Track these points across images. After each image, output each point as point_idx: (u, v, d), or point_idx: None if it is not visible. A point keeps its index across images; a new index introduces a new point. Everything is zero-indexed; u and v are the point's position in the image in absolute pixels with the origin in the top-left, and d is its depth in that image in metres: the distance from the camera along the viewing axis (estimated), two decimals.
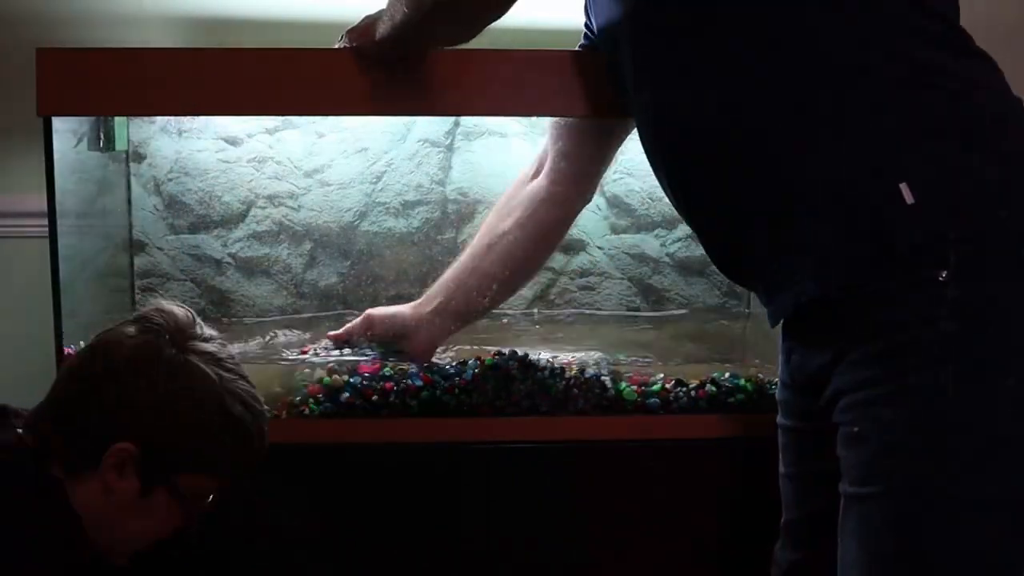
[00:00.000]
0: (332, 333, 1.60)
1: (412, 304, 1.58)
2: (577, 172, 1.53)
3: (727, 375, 1.58)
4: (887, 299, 1.06)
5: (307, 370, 1.55)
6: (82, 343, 1.54)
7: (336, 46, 1.44)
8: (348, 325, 1.60)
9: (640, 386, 1.55)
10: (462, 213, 1.89)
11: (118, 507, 1.16)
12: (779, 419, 1.31)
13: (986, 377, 1.05)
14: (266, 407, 1.25)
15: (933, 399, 1.04)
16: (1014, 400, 1.06)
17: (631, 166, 1.89)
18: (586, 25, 1.47)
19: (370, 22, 1.38)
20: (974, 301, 1.04)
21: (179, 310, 1.22)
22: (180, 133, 1.83)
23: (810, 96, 1.10)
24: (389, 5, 1.30)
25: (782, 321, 1.20)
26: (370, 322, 1.58)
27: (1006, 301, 1.05)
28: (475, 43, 1.36)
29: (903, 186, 1.04)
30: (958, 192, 1.05)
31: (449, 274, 1.57)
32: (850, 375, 1.10)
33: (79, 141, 1.60)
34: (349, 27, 1.43)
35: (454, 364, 1.54)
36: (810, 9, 1.10)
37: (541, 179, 1.55)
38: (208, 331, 1.23)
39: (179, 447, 1.16)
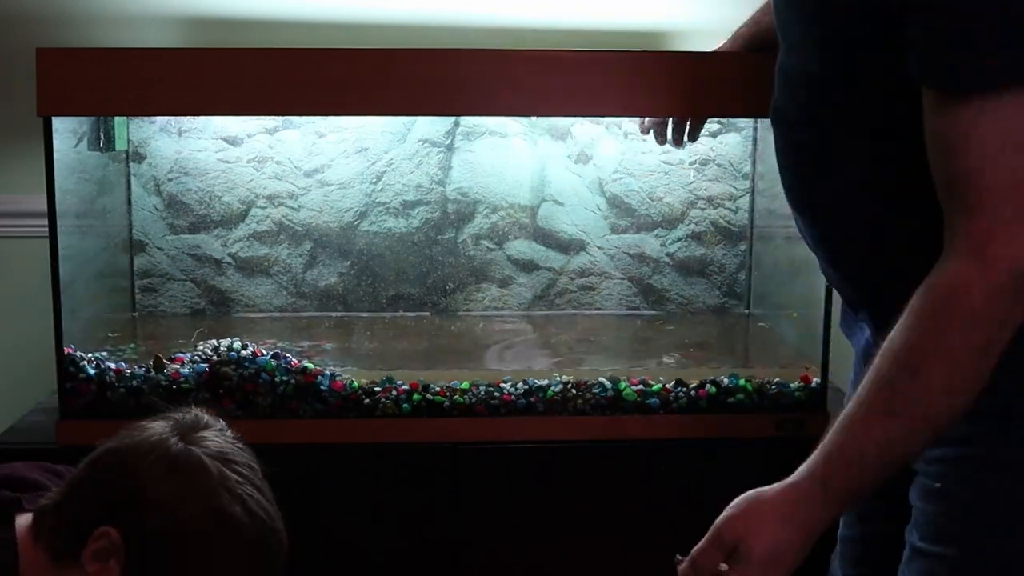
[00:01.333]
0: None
1: None
2: None
3: (725, 376, 1.58)
4: (1008, 364, 0.98)
5: None
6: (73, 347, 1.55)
7: None
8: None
9: (640, 386, 1.55)
10: (462, 213, 1.89)
11: None
12: None
13: None
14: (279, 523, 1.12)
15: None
16: None
17: (631, 166, 1.89)
18: None
19: None
20: None
21: (204, 414, 1.15)
22: (180, 133, 1.83)
23: None
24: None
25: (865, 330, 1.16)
26: None
27: None
28: (475, 43, 1.36)
29: None
30: None
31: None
32: None
33: (79, 141, 1.60)
34: None
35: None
36: None
37: None
38: (228, 435, 1.14)
39: (165, 542, 1.06)
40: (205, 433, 1.11)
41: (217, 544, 1.06)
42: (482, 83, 1.47)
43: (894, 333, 0.96)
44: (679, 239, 1.93)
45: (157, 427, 1.11)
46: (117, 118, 1.69)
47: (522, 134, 1.88)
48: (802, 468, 1.01)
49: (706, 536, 1.04)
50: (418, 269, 1.90)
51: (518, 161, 1.89)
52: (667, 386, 1.56)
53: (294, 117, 1.82)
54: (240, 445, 1.14)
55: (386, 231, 1.89)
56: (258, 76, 1.46)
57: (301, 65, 1.46)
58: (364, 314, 1.89)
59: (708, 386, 1.56)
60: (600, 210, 1.92)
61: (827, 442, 1.00)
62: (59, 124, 1.48)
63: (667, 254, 1.93)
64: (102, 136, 1.67)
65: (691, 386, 1.56)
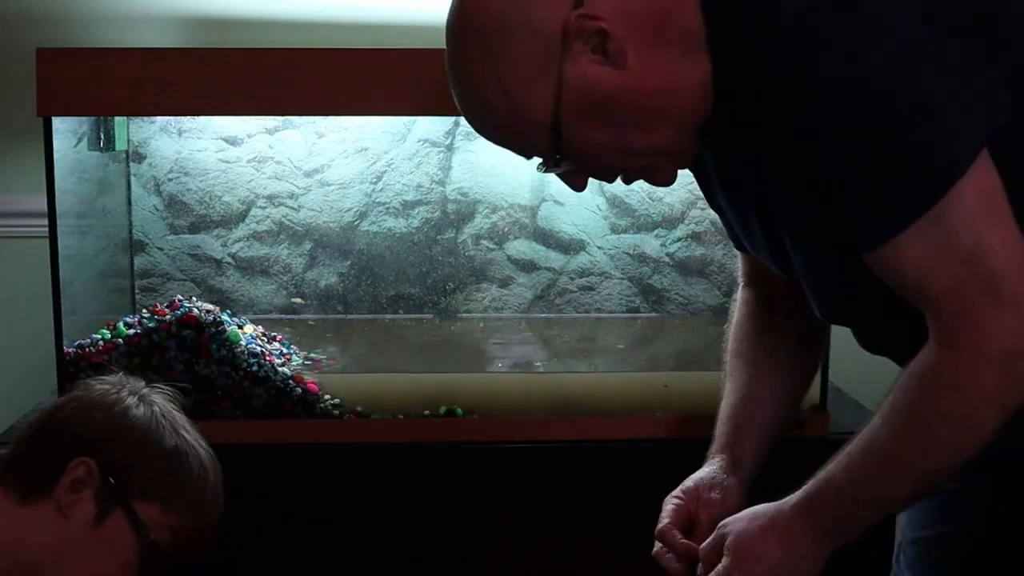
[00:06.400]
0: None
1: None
2: None
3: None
4: None
5: None
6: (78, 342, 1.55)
7: None
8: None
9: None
10: (462, 213, 1.89)
11: (71, 540, 1.14)
12: None
13: None
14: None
15: None
16: None
17: None
18: None
19: None
20: None
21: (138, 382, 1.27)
22: (180, 133, 1.83)
23: None
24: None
25: None
26: None
27: None
28: None
29: None
30: None
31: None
32: None
33: (79, 141, 1.60)
34: None
35: None
36: None
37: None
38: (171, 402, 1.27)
39: (134, 467, 1.17)
40: (154, 396, 1.24)
41: (178, 472, 1.19)
42: None
43: (893, 393, 1.00)
44: (679, 239, 1.93)
45: (103, 386, 1.23)
46: (117, 118, 1.69)
47: None
48: (795, 496, 1.06)
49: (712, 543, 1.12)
50: (418, 269, 1.89)
51: (518, 161, 1.88)
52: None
53: (294, 117, 1.82)
54: (179, 411, 1.25)
55: (386, 231, 1.89)
56: (258, 76, 1.46)
57: (301, 65, 1.47)
58: (365, 315, 1.89)
59: None
60: (600, 210, 1.91)
61: (819, 476, 1.04)
62: (59, 124, 1.48)
63: (667, 254, 1.93)
64: (102, 136, 1.68)
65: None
